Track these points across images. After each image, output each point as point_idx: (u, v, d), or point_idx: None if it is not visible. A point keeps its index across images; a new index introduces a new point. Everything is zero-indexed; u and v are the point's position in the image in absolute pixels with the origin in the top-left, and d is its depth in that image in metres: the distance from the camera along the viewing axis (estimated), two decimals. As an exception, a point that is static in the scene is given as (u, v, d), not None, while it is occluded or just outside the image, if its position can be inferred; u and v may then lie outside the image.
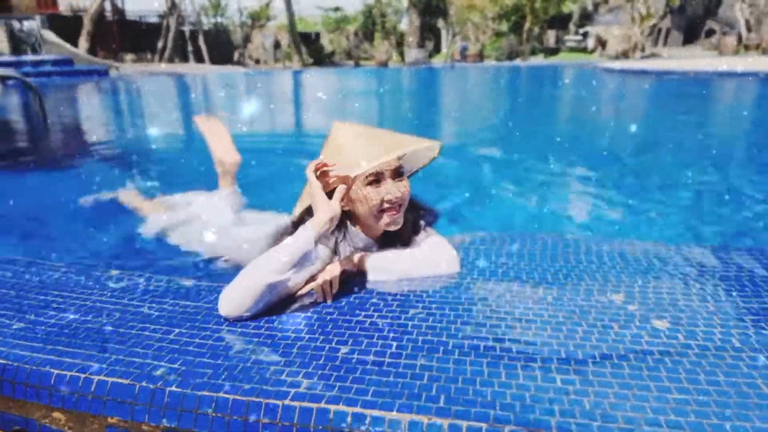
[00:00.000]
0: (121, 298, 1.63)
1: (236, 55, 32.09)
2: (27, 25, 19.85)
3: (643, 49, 30.59)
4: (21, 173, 4.56)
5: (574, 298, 1.61)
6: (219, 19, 35.76)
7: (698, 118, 7.88)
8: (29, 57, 18.22)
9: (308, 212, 1.62)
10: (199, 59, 28.19)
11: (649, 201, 3.36)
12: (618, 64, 20.00)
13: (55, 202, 3.42)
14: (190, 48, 27.65)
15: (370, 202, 1.63)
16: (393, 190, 1.64)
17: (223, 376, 1.20)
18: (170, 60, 26.77)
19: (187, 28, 29.41)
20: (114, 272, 1.83)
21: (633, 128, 6.45)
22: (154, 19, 29.49)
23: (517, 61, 31.41)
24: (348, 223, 1.75)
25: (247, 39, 34.23)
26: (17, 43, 19.42)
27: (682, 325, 1.45)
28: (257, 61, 36.76)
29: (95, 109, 10.38)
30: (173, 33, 26.72)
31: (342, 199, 1.58)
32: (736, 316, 1.50)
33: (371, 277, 1.69)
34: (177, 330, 1.43)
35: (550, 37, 36.01)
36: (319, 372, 1.21)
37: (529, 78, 18.33)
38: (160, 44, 26.88)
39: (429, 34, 40.30)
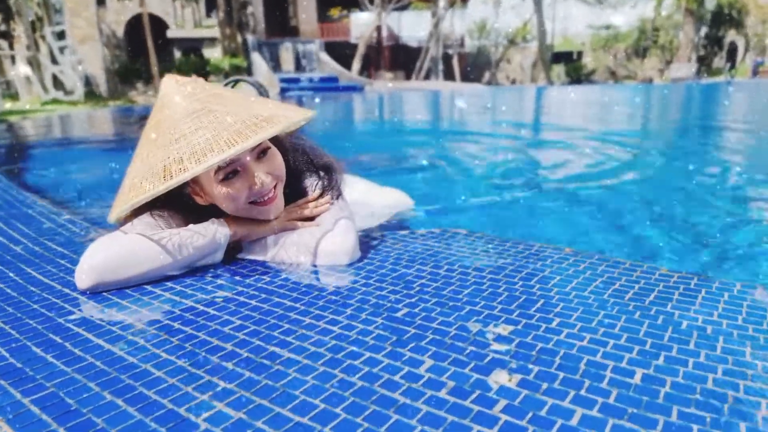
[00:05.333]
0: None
1: (487, 75, 32.66)
2: (308, 47, 23.57)
3: None
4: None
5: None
6: (482, 41, 36.93)
7: None
8: (305, 74, 21.63)
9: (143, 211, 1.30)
10: (450, 78, 29.50)
11: None
12: None
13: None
14: (441, 67, 29.13)
15: (230, 201, 1.25)
16: (258, 178, 1.24)
17: None
18: (426, 78, 28.65)
19: (448, 51, 31.06)
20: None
21: None
22: (423, 44, 31.87)
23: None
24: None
25: (501, 59, 34.59)
26: (299, 61, 23.25)
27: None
28: (513, 81, 36.83)
29: (329, 112, 11.69)
30: (430, 55, 28.55)
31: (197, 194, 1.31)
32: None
33: (248, 256, 1.38)
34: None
35: None
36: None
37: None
38: (418, 64, 28.99)
39: (716, 48, 35.03)
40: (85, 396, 0.78)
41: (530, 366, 0.85)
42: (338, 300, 1.12)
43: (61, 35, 15.87)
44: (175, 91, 1.23)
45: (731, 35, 34.91)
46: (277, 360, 0.88)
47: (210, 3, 26.95)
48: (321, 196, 1.39)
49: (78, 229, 1.75)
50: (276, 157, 1.30)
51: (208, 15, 27.94)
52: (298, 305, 1.09)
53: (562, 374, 0.83)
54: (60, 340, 0.95)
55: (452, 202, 2.94)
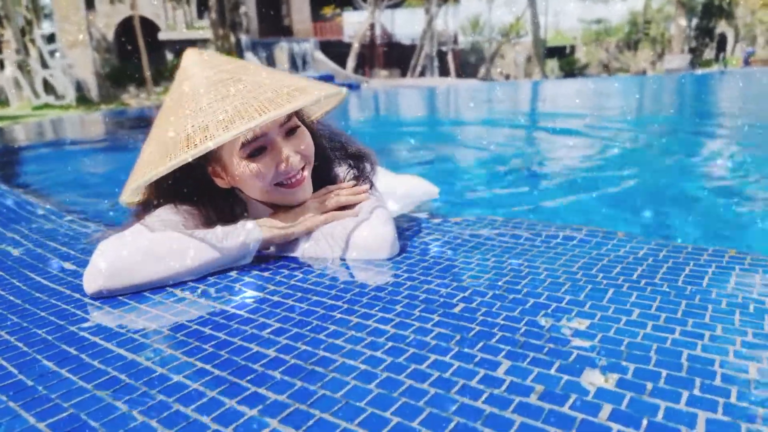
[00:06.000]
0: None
1: (482, 71, 32.55)
2: (302, 46, 23.42)
3: None
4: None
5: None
6: (476, 38, 36.79)
7: None
8: (302, 74, 21.52)
9: (160, 193, 1.17)
10: (445, 75, 29.39)
11: None
12: None
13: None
14: (436, 64, 29.03)
15: (254, 179, 1.12)
16: (286, 155, 1.12)
17: None
18: (421, 75, 28.53)
19: (442, 48, 30.91)
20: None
21: None
22: (417, 42, 31.71)
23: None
24: (247, 197, 1.23)
25: (495, 55, 34.47)
26: (294, 61, 23.12)
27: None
28: (507, 77, 36.70)
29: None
30: (424, 52, 28.46)
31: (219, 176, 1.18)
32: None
33: (291, 253, 1.25)
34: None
35: None
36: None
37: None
38: (413, 62, 28.86)
39: (707, 39, 35.05)
40: (111, 417, 0.65)
41: (624, 363, 0.74)
42: (384, 296, 1.00)
43: (51, 38, 15.66)
44: (198, 63, 1.11)
45: (721, 26, 34.97)
46: (330, 366, 0.76)
47: (202, 4, 26.73)
48: (356, 184, 1.27)
49: (82, 228, 1.62)
50: (305, 136, 1.18)
51: (200, 16, 27.71)
52: (340, 303, 0.98)
53: (664, 372, 0.71)
54: (75, 352, 0.83)
55: (473, 191, 2.82)
